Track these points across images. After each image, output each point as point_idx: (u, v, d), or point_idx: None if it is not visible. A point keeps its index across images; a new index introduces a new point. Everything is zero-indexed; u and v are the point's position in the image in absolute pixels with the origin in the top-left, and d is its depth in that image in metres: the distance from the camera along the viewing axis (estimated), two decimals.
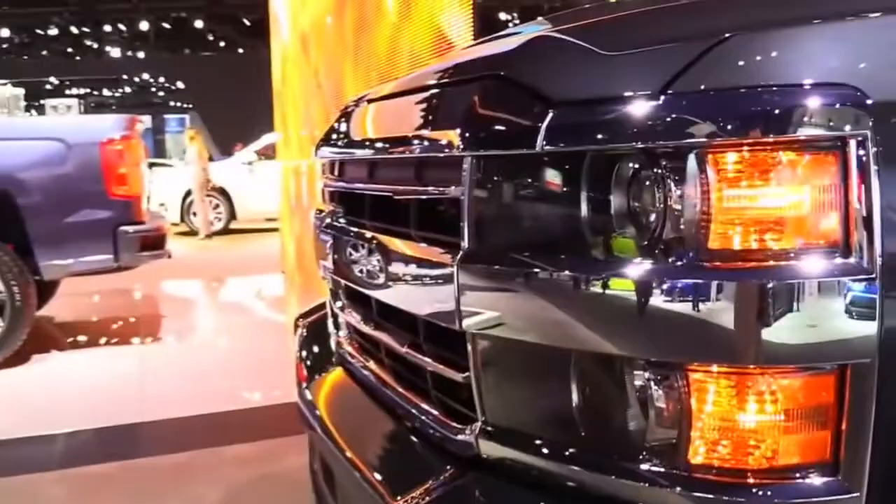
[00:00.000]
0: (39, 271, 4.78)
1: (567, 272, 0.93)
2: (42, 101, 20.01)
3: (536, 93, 0.99)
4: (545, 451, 1.00)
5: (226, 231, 12.84)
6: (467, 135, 1.06)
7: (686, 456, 0.90)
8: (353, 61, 4.88)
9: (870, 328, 0.83)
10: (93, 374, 4.65)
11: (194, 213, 12.68)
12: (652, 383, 0.91)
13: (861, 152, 0.83)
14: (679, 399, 0.89)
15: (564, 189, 0.97)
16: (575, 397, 0.98)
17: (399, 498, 1.12)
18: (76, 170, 4.79)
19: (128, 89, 31.03)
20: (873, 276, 0.82)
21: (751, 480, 0.87)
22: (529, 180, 1.00)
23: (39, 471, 3.43)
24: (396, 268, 1.25)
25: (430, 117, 1.24)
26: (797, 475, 0.87)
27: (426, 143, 1.19)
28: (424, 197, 1.19)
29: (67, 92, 27.37)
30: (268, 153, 12.01)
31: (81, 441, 3.61)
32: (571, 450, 0.98)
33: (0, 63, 26.18)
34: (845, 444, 0.86)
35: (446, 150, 1.10)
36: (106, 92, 30.58)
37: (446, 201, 1.12)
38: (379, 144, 1.39)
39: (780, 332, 0.83)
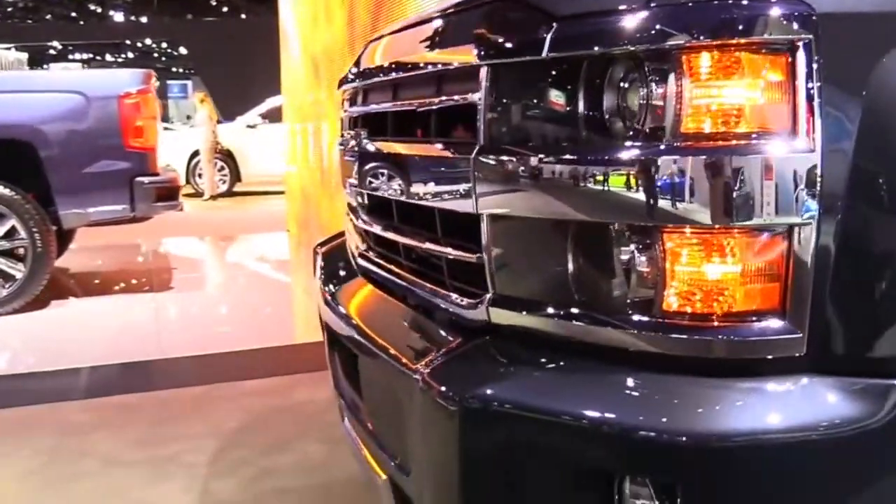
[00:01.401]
0: (59, 220, 4.97)
1: (567, 157, 1.12)
2: (46, 66, 20.07)
3: (543, 10, 1.18)
4: (546, 312, 1.20)
5: (230, 193, 13.02)
6: (485, 47, 1.25)
7: (663, 306, 1.09)
8: (361, 26, 5.02)
9: (812, 196, 1.02)
10: (109, 317, 4.86)
11: (200, 175, 12.85)
12: (635, 246, 1.10)
13: (807, 54, 1.01)
14: (657, 258, 1.08)
15: (565, 90, 1.16)
16: (571, 264, 1.18)
17: (419, 362, 1.32)
18: (95, 122, 4.96)
19: (130, 54, 31.03)
20: (815, 152, 1.01)
21: (716, 324, 1.07)
22: (536, 84, 1.19)
23: (64, 400, 3.65)
24: (420, 172, 1.44)
25: (451, 36, 1.42)
26: (753, 319, 1.06)
27: (449, 58, 1.37)
28: (445, 106, 1.38)
29: (71, 56, 27.39)
30: (272, 116, 12.18)
31: (103, 374, 3.81)
32: (568, 309, 1.18)
33: (4, 27, 26.18)
34: (791, 293, 1.05)
35: (466, 63, 1.29)
36: (108, 57, 30.58)
37: (464, 107, 1.31)
38: (405, 66, 1.58)
39: (739, 198, 1.02)
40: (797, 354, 1.06)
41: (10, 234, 4.86)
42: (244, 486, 2.75)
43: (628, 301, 1.12)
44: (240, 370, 3.93)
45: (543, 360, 1.19)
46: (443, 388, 1.22)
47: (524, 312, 1.23)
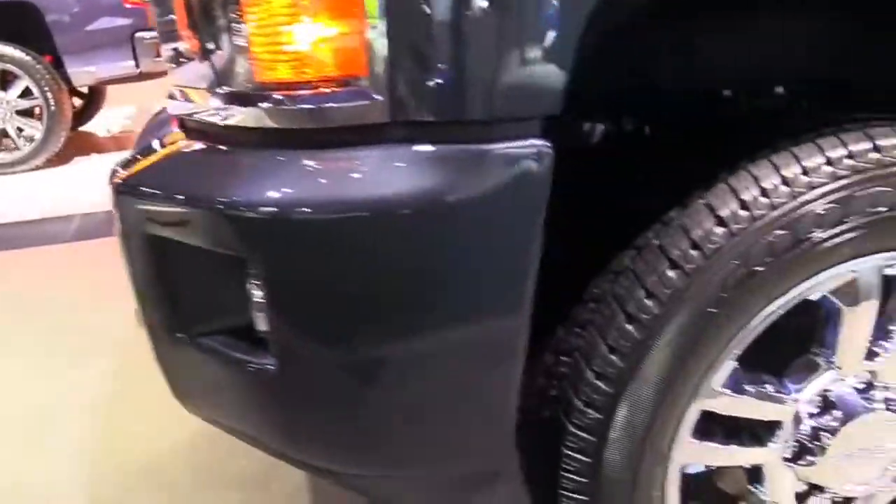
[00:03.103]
0: (70, 79, 5.14)
1: None
2: None
3: None
4: (188, 100, 1.18)
5: None
6: None
7: (255, 76, 1.04)
8: None
9: None
10: None
11: None
12: (228, 15, 1.05)
13: None
14: (244, 25, 1.02)
15: None
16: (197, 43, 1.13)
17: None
18: None
19: None
20: None
21: (297, 93, 1.01)
22: None
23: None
24: None
25: None
26: (338, 84, 1.00)
27: None
28: None
29: None
30: None
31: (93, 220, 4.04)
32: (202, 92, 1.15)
33: None
34: (370, 55, 0.98)
35: None
36: None
37: None
38: None
39: None
40: (382, 122, 0.99)
41: (25, 94, 5.06)
42: None
43: (234, 76, 1.08)
44: None
45: (188, 148, 1.18)
46: (112, 181, 1.23)
47: (180, 101, 1.21)
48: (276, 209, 0.99)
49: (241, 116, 1.07)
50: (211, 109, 1.13)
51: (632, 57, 1.19)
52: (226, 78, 1.09)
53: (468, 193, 0.98)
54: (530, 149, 0.97)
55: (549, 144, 0.98)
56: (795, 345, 1.24)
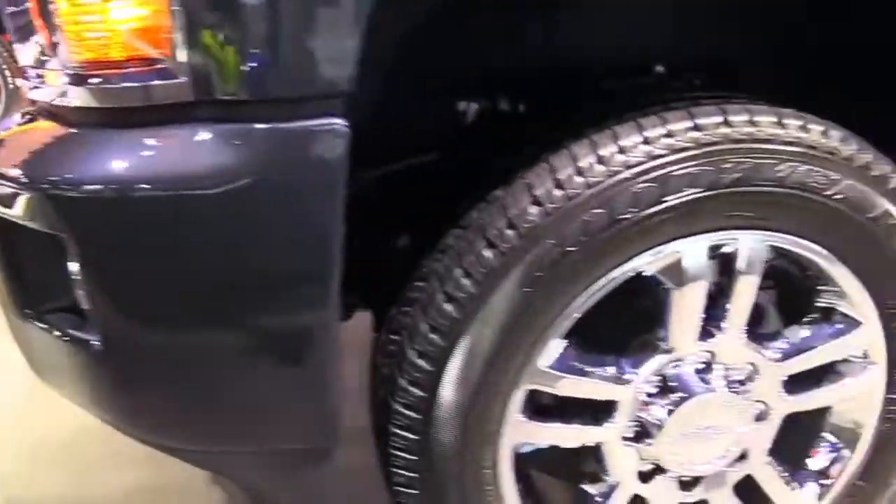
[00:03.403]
0: None
1: None
2: None
3: None
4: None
5: None
6: None
7: (72, 57, 1.04)
8: None
9: None
10: None
11: None
12: None
13: None
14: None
15: None
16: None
17: None
18: None
19: None
20: None
21: (102, 72, 1.00)
22: None
23: None
24: None
25: None
26: (144, 64, 1.00)
27: None
28: None
29: None
30: None
31: None
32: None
33: None
34: (173, 38, 0.97)
35: None
36: None
37: None
38: None
39: None
40: (185, 101, 0.99)
41: None
42: None
43: (63, 58, 1.07)
44: None
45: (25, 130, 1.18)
46: None
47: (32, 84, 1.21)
48: (80, 188, 0.99)
49: (73, 98, 1.07)
50: (51, 91, 1.12)
51: (460, 39, 1.19)
52: (58, 59, 1.09)
53: (265, 171, 0.98)
54: (328, 127, 0.97)
55: (346, 123, 0.98)
56: (643, 325, 1.25)
